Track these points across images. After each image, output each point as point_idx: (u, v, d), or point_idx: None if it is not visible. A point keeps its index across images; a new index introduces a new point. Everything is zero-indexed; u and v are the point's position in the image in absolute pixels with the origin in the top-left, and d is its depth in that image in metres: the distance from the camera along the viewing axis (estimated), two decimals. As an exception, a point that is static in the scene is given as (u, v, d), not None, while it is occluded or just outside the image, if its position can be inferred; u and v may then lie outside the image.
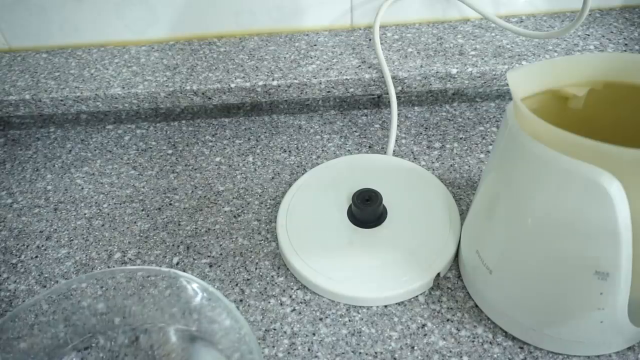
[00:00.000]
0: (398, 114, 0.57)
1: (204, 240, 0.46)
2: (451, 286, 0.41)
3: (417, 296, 0.40)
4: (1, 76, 0.59)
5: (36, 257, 0.46)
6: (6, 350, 0.33)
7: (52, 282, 0.44)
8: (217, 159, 0.54)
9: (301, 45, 0.59)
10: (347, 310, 0.40)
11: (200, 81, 0.55)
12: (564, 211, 0.30)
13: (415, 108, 0.59)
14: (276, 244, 0.45)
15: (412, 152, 0.53)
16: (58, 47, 0.62)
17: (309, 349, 0.38)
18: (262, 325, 0.39)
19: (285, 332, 0.39)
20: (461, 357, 0.36)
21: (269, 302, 0.41)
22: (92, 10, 0.59)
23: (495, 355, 0.36)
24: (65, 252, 0.46)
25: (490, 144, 0.53)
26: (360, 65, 0.55)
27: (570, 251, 0.31)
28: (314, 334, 0.38)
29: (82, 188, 0.52)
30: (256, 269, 0.43)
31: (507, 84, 0.40)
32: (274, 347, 0.38)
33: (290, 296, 0.41)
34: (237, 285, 0.42)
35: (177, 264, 0.44)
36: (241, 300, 0.41)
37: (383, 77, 0.54)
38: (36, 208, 0.51)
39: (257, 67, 0.56)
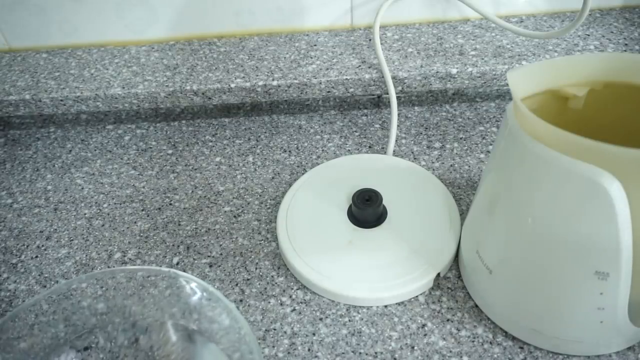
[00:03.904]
0: (398, 114, 0.57)
1: (204, 240, 0.46)
2: (451, 286, 0.41)
3: (417, 296, 0.40)
4: (1, 76, 0.59)
5: (36, 257, 0.46)
6: (6, 350, 0.33)
7: (52, 282, 0.44)
8: (217, 159, 0.54)
9: (301, 45, 0.59)
10: (347, 310, 0.40)
11: (200, 81, 0.55)
12: (564, 211, 0.30)
13: (415, 108, 0.59)
14: (276, 244, 0.45)
15: (412, 152, 0.53)
16: (58, 47, 0.62)
17: (309, 349, 0.38)
18: (262, 325, 0.39)
19: (285, 332, 0.39)
20: (461, 357, 0.36)
21: (269, 302, 0.41)
22: (92, 10, 0.59)
23: (495, 355, 0.36)
24: (65, 252, 0.46)
25: (490, 144, 0.53)
26: (360, 65, 0.55)
27: (570, 251, 0.31)
28: (314, 334, 0.38)
29: (82, 188, 0.52)
30: (256, 269, 0.43)
31: (507, 84, 0.40)
32: (274, 347, 0.38)
33: (290, 296, 0.41)
34: (237, 285, 0.42)
35: (177, 264, 0.44)
36: (241, 300, 0.41)
37: (383, 77, 0.54)
38: (36, 208, 0.51)
39: (257, 67, 0.56)
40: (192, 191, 0.51)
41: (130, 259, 0.45)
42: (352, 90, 0.55)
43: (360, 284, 0.40)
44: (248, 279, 0.42)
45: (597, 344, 0.35)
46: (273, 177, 0.51)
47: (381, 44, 0.58)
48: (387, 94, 0.54)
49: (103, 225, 0.48)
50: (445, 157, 0.52)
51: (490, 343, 0.37)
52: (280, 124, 0.58)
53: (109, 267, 0.45)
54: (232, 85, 0.54)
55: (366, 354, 0.37)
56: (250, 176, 0.52)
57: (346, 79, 0.54)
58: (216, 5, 0.59)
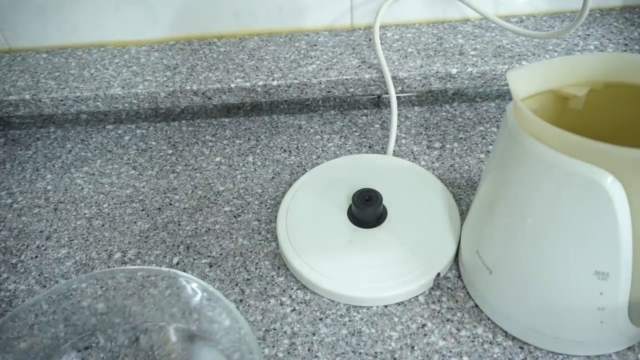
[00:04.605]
0: (398, 114, 0.57)
1: (204, 240, 0.46)
2: (451, 286, 0.41)
3: (417, 296, 0.40)
4: (1, 76, 0.59)
5: (36, 257, 0.46)
6: (6, 350, 0.33)
7: (52, 282, 0.44)
8: (217, 159, 0.54)
9: (301, 45, 0.59)
10: (347, 310, 0.40)
11: (200, 81, 0.55)
12: (564, 211, 0.30)
13: (415, 108, 0.59)
14: (276, 244, 0.45)
15: (412, 152, 0.53)
16: (58, 47, 0.62)
17: (309, 349, 0.38)
18: (262, 325, 0.39)
19: (285, 332, 0.39)
20: (461, 357, 0.36)
21: (269, 302, 0.41)
22: (92, 10, 0.59)
23: (495, 355, 0.36)
24: (65, 252, 0.46)
25: (490, 144, 0.53)
26: (360, 65, 0.55)
27: (570, 251, 0.31)
28: (314, 334, 0.38)
29: (82, 188, 0.52)
30: (256, 269, 0.43)
31: (507, 84, 0.40)
32: (274, 347, 0.38)
33: (290, 296, 0.41)
34: (237, 285, 0.42)
35: (177, 264, 0.44)
36: (241, 300, 0.41)
37: (383, 77, 0.54)
38: (36, 208, 0.51)
39: (257, 67, 0.56)
40: (192, 191, 0.51)
41: (130, 259, 0.45)
42: (352, 90, 0.55)
43: (360, 284, 0.40)
44: (248, 279, 0.42)
45: (597, 344, 0.35)
46: (273, 177, 0.51)
47: (381, 44, 0.58)
48: (387, 94, 0.54)
49: (103, 225, 0.48)
50: (445, 157, 0.52)
51: (490, 343, 0.37)
52: (280, 124, 0.58)
53: (109, 267, 0.45)
54: (232, 85, 0.54)
55: (366, 354, 0.37)
56: (250, 176, 0.52)
57: (346, 79, 0.54)
58: (216, 5, 0.59)
